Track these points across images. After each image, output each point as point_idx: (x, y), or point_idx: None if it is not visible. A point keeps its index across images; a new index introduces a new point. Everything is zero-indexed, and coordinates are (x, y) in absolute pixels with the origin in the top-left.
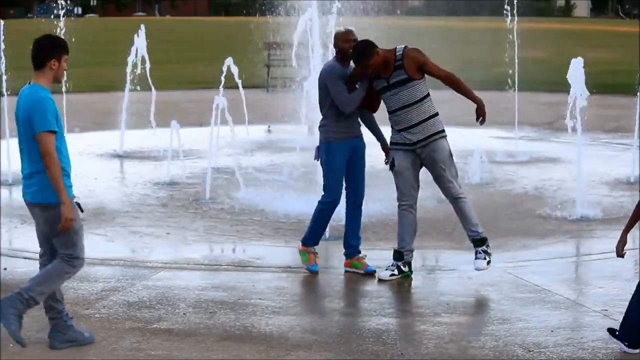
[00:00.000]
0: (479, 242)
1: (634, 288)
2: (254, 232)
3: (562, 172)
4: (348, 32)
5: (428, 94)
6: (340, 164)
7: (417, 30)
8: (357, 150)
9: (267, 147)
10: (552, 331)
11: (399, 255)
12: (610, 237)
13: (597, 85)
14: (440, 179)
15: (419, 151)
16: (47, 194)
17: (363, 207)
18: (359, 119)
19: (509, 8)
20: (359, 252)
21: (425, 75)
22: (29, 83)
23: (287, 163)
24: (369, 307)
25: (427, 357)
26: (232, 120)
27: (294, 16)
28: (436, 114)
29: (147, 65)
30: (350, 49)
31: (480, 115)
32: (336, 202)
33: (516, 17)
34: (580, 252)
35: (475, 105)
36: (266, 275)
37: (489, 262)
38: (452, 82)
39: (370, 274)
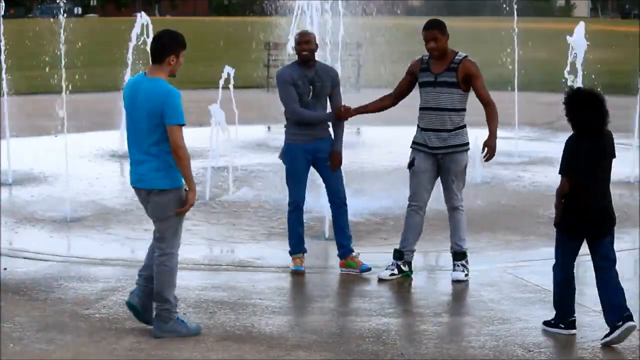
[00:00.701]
0: (460, 256)
1: (634, 288)
2: (254, 232)
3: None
4: (302, 34)
5: (464, 110)
6: (299, 166)
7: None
8: (320, 153)
9: (267, 147)
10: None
11: (399, 255)
12: None
13: (597, 85)
14: (447, 189)
15: (439, 157)
16: (157, 180)
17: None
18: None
19: (508, 8)
20: (352, 251)
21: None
22: (144, 74)
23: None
24: (369, 307)
25: (427, 357)
26: (231, 121)
27: (293, 16)
28: (465, 126)
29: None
30: (303, 51)
31: (488, 151)
32: (298, 204)
33: (516, 17)
34: (580, 252)
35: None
36: (266, 275)
37: (466, 275)
38: (490, 108)
39: (366, 271)
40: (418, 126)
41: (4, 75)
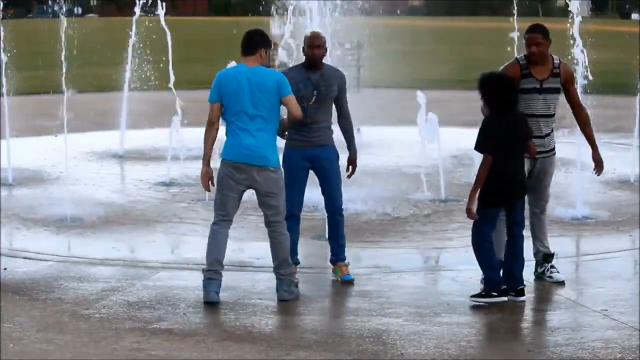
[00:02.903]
0: (550, 257)
1: (634, 288)
2: (255, 232)
3: (562, 172)
4: (314, 37)
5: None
6: (296, 172)
7: (417, 30)
8: (319, 159)
9: None
10: (552, 331)
11: (549, 257)
12: (610, 237)
13: (597, 85)
14: (543, 192)
15: (539, 160)
16: (275, 158)
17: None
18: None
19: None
20: (342, 260)
21: None
22: (243, 65)
23: None
24: (369, 307)
25: (427, 357)
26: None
27: (294, 16)
28: (553, 130)
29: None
30: (314, 56)
31: (598, 166)
32: (293, 212)
33: (516, 17)
34: (580, 252)
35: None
36: (266, 275)
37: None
38: (585, 113)
39: (347, 282)
40: None
41: (4, 75)
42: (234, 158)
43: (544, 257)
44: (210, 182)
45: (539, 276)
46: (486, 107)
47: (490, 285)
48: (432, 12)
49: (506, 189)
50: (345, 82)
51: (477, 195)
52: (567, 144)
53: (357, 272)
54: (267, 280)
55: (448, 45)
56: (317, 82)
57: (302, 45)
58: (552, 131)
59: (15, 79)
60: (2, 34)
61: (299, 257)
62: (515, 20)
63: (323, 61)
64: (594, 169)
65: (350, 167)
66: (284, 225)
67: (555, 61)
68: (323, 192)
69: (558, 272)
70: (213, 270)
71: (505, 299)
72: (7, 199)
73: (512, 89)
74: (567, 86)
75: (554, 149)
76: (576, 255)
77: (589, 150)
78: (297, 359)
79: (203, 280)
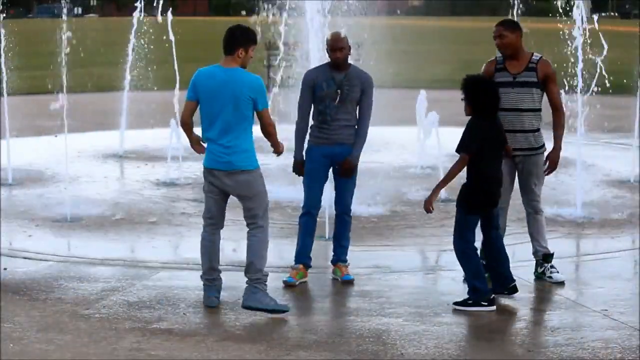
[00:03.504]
0: (550, 257)
1: (634, 288)
2: None
3: (562, 172)
4: (336, 40)
5: (541, 109)
6: (317, 168)
7: (417, 30)
8: (338, 157)
9: (266, 147)
10: (552, 331)
11: (549, 257)
12: (610, 237)
13: (597, 85)
14: (529, 192)
15: (517, 160)
16: (246, 161)
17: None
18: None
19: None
20: (343, 261)
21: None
22: (218, 65)
23: (287, 163)
24: (369, 307)
25: (427, 357)
26: None
27: (295, 16)
28: (540, 129)
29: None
30: (337, 59)
31: (550, 165)
32: (309, 210)
33: (516, 17)
34: (580, 252)
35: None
36: None
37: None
38: (560, 114)
39: (347, 282)
40: None
41: (4, 75)
42: (207, 164)
43: (544, 257)
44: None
45: (539, 276)
46: (468, 109)
47: (477, 295)
48: (432, 12)
49: (495, 192)
50: (370, 86)
51: (440, 191)
52: (567, 144)
53: (357, 272)
54: (267, 281)
55: (448, 45)
56: (340, 82)
57: (325, 47)
58: (537, 129)
59: (15, 79)
60: (2, 33)
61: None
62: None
63: (350, 62)
64: (546, 167)
65: (345, 167)
66: (258, 227)
67: (533, 57)
68: (335, 190)
69: (558, 272)
70: (210, 278)
71: (494, 308)
72: (7, 199)
73: (496, 93)
74: (547, 84)
75: (540, 147)
76: (576, 255)
77: (589, 150)
78: (297, 359)
79: (203, 285)
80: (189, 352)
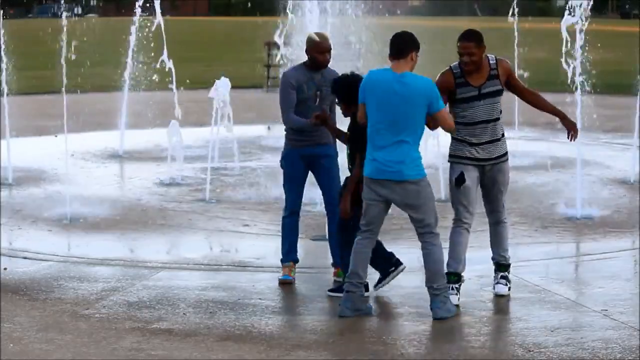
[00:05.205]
0: (503, 268)
1: (634, 288)
2: (255, 232)
3: (562, 172)
4: (323, 42)
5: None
6: (297, 172)
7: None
8: (319, 158)
9: (266, 147)
10: (552, 331)
11: (458, 278)
12: (610, 237)
13: (597, 85)
14: (494, 201)
15: (487, 168)
16: (415, 170)
17: None
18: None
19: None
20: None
21: None
22: (389, 69)
23: None
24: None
25: (427, 357)
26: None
27: (295, 16)
28: (504, 134)
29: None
30: (325, 61)
31: (573, 129)
32: (293, 210)
33: (516, 17)
34: (580, 252)
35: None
36: (266, 275)
37: (509, 289)
38: (536, 94)
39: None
40: (461, 140)
41: (4, 75)
42: (372, 175)
43: (497, 266)
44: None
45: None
46: (346, 110)
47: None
48: (432, 12)
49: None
50: None
51: (349, 196)
52: (567, 144)
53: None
54: (267, 280)
55: (448, 45)
56: (319, 83)
57: (306, 47)
58: (503, 135)
59: (15, 79)
60: (2, 33)
61: (298, 255)
62: (515, 21)
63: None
64: (568, 135)
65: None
66: (434, 236)
67: (491, 61)
68: (321, 187)
69: (506, 284)
70: (353, 282)
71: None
72: (7, 199)
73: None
74: (510, 83)
75: (505, 154)
76: (576, 255)
77: (588, 150)
78: (297, 359)
79: (344, 292)
80: (189, 352)
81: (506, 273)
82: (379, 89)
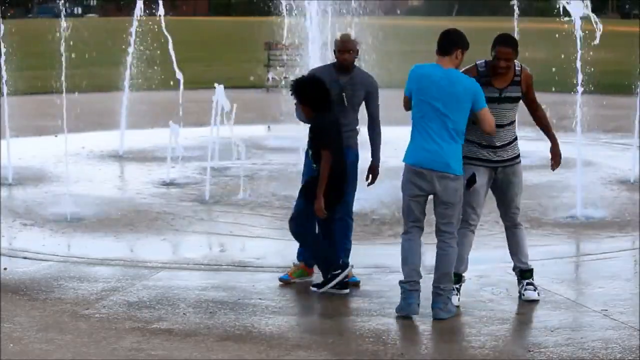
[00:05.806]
0: (528, 274)
1: (634, 288)
2: (255, 232)
3: (562, 172)
4: (345, 42)
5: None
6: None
7: (417, 30)
8: None
9: (266, 147)
10: (552, 331)
11: (459, 278)
12: (610, 237)
13: (597, 85)
14: (510, 203)
15: (499, 170)
16: (459, 165)
17: None
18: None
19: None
20: (346, 265)
21: None
22: (437, 65)
23: (288, 163)
24: (369, 307)
25: (427, 357)
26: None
27: (295, 16)
28: (517, 138)
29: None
30: (345, 61)
31: (556, 158)
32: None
33: (516, 17)
34: (580, 252)
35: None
36: (266, 275)
37: (539, 293)
38: (543, 112)
39: (354, 284)
40: (474, 142)
41: (4, 75)
42: (414, 162)
43: (521, 274)
44: None
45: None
46: (308, 111)
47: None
48: (432, 12)
49: (340, 186)
50: (375, 89)
51: (322, 195)
52: (567, 144)
53: (357, 272)
54: (267, 280)
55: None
56: (344, 85)
57: (333, 48)
58: (516, 138)
59: (15, 79)
60: (1, 34)
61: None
62: (515, 21)
63: (355, 64)
64: (551, 162)
65: (371, 175)
66: (453, 238)
67: (516, 68)
68: None
69: (535, 289)
70: (412, 281)
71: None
72: (7, 199)
73: (327, 88)
74: (528, 91)
75: (518, 156)
76: (576, 255)
77: (589, 150)
78: (297, 359)
79: (401, 292)
80: (189, 352)
81: (531, 280)
82: (426, 82)
